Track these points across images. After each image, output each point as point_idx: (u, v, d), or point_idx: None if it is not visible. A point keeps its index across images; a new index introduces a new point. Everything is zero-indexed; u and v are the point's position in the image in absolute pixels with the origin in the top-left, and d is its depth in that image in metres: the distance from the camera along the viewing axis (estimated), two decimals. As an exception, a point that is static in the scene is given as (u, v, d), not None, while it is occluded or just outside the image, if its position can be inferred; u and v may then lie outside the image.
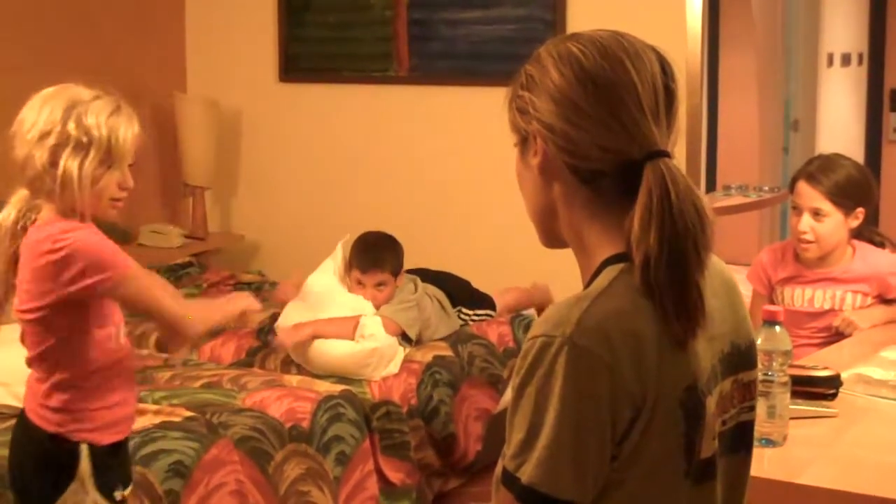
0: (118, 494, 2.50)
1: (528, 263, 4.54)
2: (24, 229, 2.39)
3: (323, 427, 3.57)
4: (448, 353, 4.15)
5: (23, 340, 2.46)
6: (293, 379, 3.82)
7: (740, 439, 1.49)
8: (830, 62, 8.02)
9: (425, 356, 4.07)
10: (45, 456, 2.45)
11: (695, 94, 4.64)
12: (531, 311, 4.64)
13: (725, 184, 6.67)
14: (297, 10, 5.48)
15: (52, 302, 2.33)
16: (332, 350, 3.90)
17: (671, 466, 1.36)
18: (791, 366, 2.39)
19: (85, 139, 2.32)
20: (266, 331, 4.25)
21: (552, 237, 1.49)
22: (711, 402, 1.40)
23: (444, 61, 5.16)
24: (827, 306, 3.46)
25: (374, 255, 4.12)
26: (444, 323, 4.27)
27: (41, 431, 2.43)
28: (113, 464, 2.49)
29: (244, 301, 2.76)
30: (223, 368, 3.98)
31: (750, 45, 7.49)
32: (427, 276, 4.33)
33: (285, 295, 4.31)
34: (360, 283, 4.12)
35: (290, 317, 4.06)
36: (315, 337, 3.92)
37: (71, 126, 2.31)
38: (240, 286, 5.02)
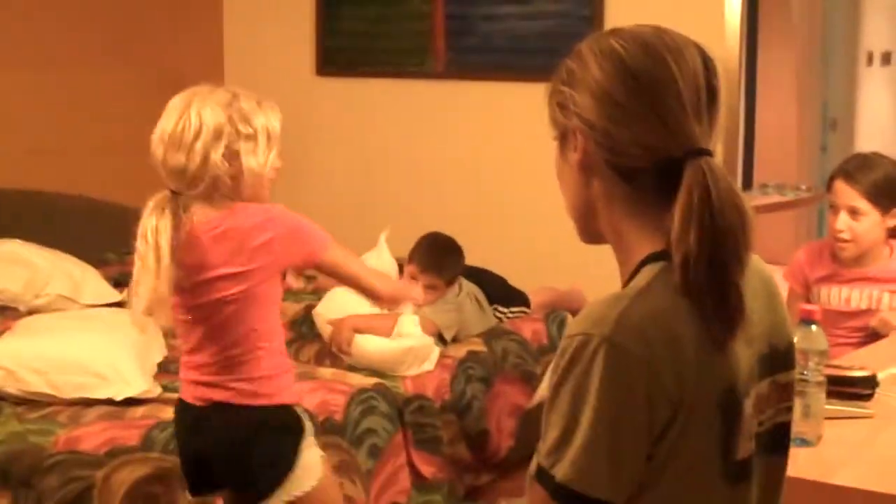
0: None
1: (566, 260, 4.53)
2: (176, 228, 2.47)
3: (356, 420, 3.57)
4: (482, 348, 4.14)
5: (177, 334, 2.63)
6: (326, 371, 3.83)
7: (777, 440, 1.49)
8: (870, 61, 7.96)
9: (459, 351, 4.07)
10: (280, 429, 2.57)
11: (732, 92, 4.62)
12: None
13: (762, 182, 6.63)
14: (334, 3, 5.49)
15: (265, 274, 2.50)
16: (367, 345, 3.91)
17: (707, 467, 1.36)
18: (827, 365, 2.38)
19: (251, 131, 2.50)
20: (300, 322, 4.27)
21: (591, 234, 1.49)
22: (749, 404, 1.39)
23: (481, 56, 5.16)
24: (864, 306, 3.44)
25: (438, 259, 4.14)
26: (480, 322, 4.27)
27: (267, 409, 2.55)
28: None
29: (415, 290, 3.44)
30: (257, 360, 3.99)
31: (788, 43, 7.44)
32: (464, 271, 4.33)
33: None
34: (413, 278, 4.13)
35: (330, 308, 4.07)
36: (354, 330, 3.93)
37: (238, 122, 2.47)
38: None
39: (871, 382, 2.63)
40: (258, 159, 2.52)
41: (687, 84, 1.38)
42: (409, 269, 4.16)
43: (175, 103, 2.50)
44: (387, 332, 3.92)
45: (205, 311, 2.53)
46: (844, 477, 2.19)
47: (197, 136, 2.44)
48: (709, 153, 1.37)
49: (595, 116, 1.39)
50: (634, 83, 1.38)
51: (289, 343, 4.14)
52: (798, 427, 2.23)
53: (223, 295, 2.49)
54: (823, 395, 2.33)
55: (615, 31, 1.44)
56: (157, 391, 3.44)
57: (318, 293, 4.39)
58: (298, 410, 2.64)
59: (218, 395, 2.56)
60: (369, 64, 5.47)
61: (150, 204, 2.47)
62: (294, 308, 4.42)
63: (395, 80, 5.40)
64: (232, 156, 2.48)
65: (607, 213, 1.44)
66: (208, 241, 2.48)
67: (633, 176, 1.40)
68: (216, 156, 2.45)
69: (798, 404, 2.20)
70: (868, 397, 2.61)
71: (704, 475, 1.36)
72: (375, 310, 4.03)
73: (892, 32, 8.06)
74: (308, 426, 2.63)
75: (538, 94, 1.50)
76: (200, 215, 2.48)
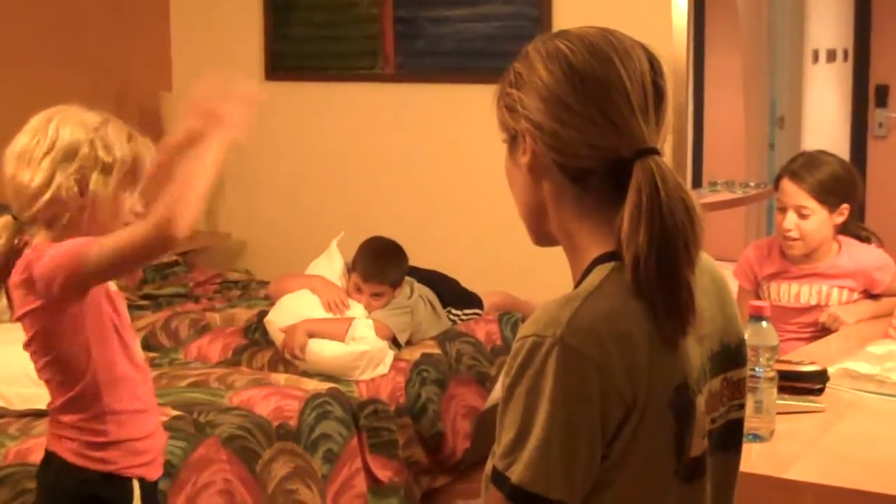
0: None
1: (517, 262, 4.55)
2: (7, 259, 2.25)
3: (310, 425, 3.56)
4: (436, 350, 4.15)
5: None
6: (280, 377, 3.81)
7: (730, 437, 1.50)
8: (816, 58, 8.04)
9: (413, 354, 4.07)
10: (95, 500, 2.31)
11: (680, 91, 4.64)
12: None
13: (711, 180, 6.68)
14: (283, 8, 5.47)
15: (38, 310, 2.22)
16: (321, 350, 3.90)
17: (661, 465, 1.36)
18: (778, 361, 2.39)
19: (110, 161, 2.24)
20: (253, 329, 4.25)
21: (542, 235, 1.49)
22: (701, 401, 1.40)
23: (431, 59, 5.16)
24: (813, 302, 3.47)
25: (378, 267, 4.12)
26: (434, 325, 4.27)
27: (88, 472, 2.29)
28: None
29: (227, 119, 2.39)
30: (210, 367, 3.97)
31: (735, 42, 7.50)
32: (416, 274, 4.33)
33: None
34: (358, 289, 4.12)
35: (282, 315, 4.05)
36: (308, 335, 3.91)
37: (99, 147, 2.23)
38: (226, 284, 5.02)
39: (821, 377, 2.65)
40: (109, 192, 2.24)
41: (634, 84, 1.38)
42: (353, 279, 4.15)
43: (37, 118, 2.27)
44: (340, 337, 3.91)
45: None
46: (797, 471, 2.21)
47: (48, 151, 2.20)
48: (657, 152, 1.37)
49: (543, 118, 1.39)
50: (581, 84, 1.38)
51: (242, 349, 4.15)
52: (751, 423, 2.24)
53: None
54: (775, 391, 2.35)
55: (562, 33, 1.44)
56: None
57: (271, 300, 4.37)
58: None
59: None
60: (318, 68, 5.45)
61: None
62: (247, 314, 4.40)
63: (344, 84, 5.39)
64: (82, 183, 2.22)
65: (557, 214, 1.44)
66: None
67: (583, 177, 1.40)
68: (62, 176, 2.20)
69: (750, 400, 2.22)
70: (819, 392, 2.63)
71: (659, 473, 1.36)
72: (329, 315, 4.03)
73: (837, 30, 8.15)
74: None
75: (487, 97, 1.50)
76: (35, 241, 2.24)
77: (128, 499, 2.32)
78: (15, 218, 2.26)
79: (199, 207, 2.17)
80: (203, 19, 5.68)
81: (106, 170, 2.23)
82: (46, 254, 2.18)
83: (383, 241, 4.22)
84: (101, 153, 2.23)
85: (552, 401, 1.29)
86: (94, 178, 2.22)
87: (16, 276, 2.23)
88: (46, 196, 2.20)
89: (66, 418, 2.30)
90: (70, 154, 2.21)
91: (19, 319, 2.27)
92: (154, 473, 2.38)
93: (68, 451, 2.30)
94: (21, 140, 2.24)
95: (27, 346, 2.30)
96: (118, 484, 2.31)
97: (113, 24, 5.46)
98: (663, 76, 1.42)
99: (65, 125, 2.23)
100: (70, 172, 2.21)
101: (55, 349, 2.26)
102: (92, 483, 2.29)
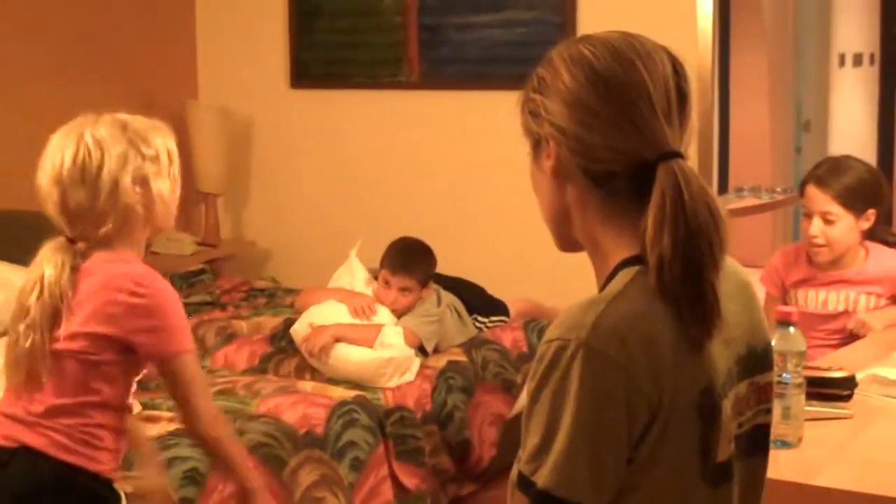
0: None
1: (543, 268, 4.54)
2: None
3: (337, 433, 3.56)
4: (462, 358, 4.14)
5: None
6: (307, 385, 3.82)
7: (757, 442, 1.49)
8: (842, 62, 8.02)
9: (439, 361, 4.07)
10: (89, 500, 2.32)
11: (706, 95, 4.63)
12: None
13: (738, 185, 6.67)
14: (308, 16, 5.48)
15: (107, 339, 2.24)
16: (349, 356, 3.90)
17: (687, 469, 1.36)
18: (806, 367, 2.38)
19: (153, 152, 2.28)
20: (279, 337, 4.26)
21: (567, 241, 1.49)
22: (727, 405, 1.39)
23: (455, 66, 5.16)
24: (840, 308, 3.45)
25: (407, 261, 4.14)
26: (460, 332, 4.27)
27: (81, 471, 2.29)
28: None
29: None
30: (237, 375, 3.98)
31: (761, 46, 7.48)
32: (441, 281, 4.33)
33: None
34: (386, 283, 4.13)
35: (306, 325, 4.06)
36: (336, 340, 3.92)
37: (140, 143, 2.26)
38: (253, 292, 5.03)
39: (850, 383, 2.64)
40: (166, 182, 2.30)
41: (657, 88, 1.38)
42: (381, 274, 4.17)
43: (62, 136, 2.26)
44: (369, 343, 3.91)
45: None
46: (826, 478, 2.20)
47: (101, 165, 2.22)
48: (681, 156, 1.37)
49: (567, 123, 1.40)
50: (605, 89, 1.38)
51: (268, 357, 4.16)
52: (778, 429, 2.23)
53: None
54: (803, 397, 2.33)
55: (585, 38, 1.44)
56: (136, 409, 3.42)
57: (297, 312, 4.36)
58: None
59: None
60: (343, 76, 5.46)
61: (45, 253, 2.27)
62: (273, 322, 4.41)
63: (369, 92, 5.40)
64: (142, 181, 2.26)
65: (582, 218, 1.44)
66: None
67: (607, 181, 1.40)
68: (127, 181, 2.23)
69: (778, 406, 2.21)
70: (847, 398, 2.62)
71: (685, 478, 1.36)
72: (356, 321, 4.03)
73: (863, 34, 8.12)
74: None
75: (511, 103, 1.50)
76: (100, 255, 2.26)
77: (116, 500, 2.35)
78: (71, 240, 2.27)
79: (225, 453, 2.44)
80: (229, 28, 5.70)
81: (154, 161, 2.27)
82: (154, 303, 2.22)
83: (412, 239, 4.26)
84: (143, 148, 2.26)
85: (578, 404, 1.29)
86: (149, 172, 2.26)
87: (108, 296, 2.22)
88: (118, 208, 2.23)
89: (63, 421, 2.27)
90: (122, 160, 2.23)
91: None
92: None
93: (52, 446, 2.26)
94: (54, 161, 2.25)
95: (74, 338, 2.25)
96: (105, 484, 2.33)
97: (139, 33, 5.48)
98: (686, 79, 1.42)
99: (98, 133, 2.24)
100: (129, 175, 2.23)
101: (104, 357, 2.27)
102: (79, 474, 2.28)
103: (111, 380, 2.29)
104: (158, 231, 2.37)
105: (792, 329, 2.30)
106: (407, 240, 4.25)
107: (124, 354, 2.27)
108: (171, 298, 2.28)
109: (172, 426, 3.28)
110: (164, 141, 2.32)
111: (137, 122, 2.31)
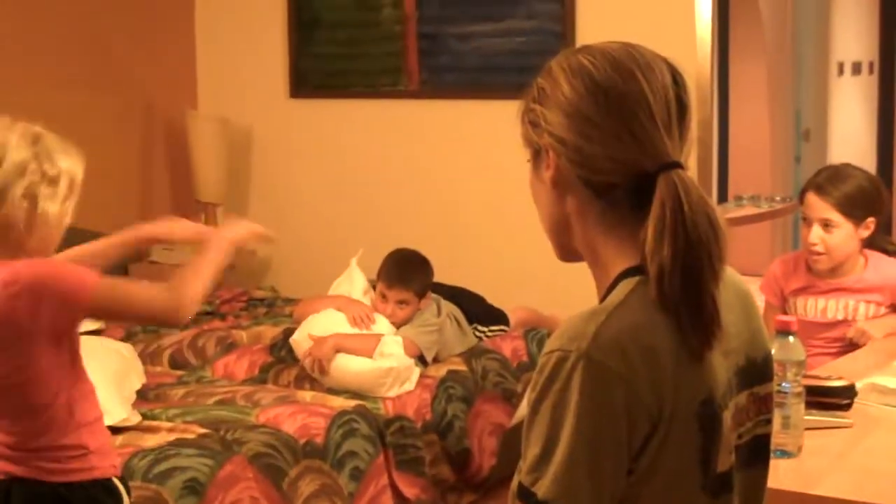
0: None
1: (543, 277, 4.54)
2: None
3: (337, 443, 3.56)
4: (462, 367, 4.14)
5: None
6: (307, 395, 3.82)
7: (757, 453, 1.49)
8: (841, 71, 8.03)
9: (439, 371, 4.07)
10: None
11: (705, 105, 4.64)
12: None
13: (737, 194, 6.67)
14: (307, 26, 5.49)
15: (16, 342, 2.15)
16: (348, 366, 3.90)
17: (688, 480, 1.35)
18: (805, 376, 2.38)
19: (55, 173, 2.19)
20: (279, 346, 4.26)
21: (567, 251, 1.49)
22: (728, 416, 1.39)
23: (454, 75, 5.17)
24: (840, 317, 3.45)
25: (403, 273, 4.14)
26: (460, 341, 4.27)
27: (78, 485, 2.26)
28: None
29: (232, 231, 2.53)
30: (236, 385, 3.98)
31: (760, 55, 7.49)
32: (441, 290, 4.33)
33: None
34: (383, 296, 4.13)
35: (307, 335, 4.06)
36: (336, 350, 3.92)
37: (44, 161, 2.18)
38: (252, 302, 5.04)
39: (849, 392, 2.64)
40: (56, 208, 2.19)
41: (657, 98, 1.38)
42: (378, 287, 4.17)
43: None
44: (369, 353, 3.91)
45: None
46: (826, 487, 2.20)
47: None
48: (680, 166, 1.37)
49: (567, 133, 1.40)
50: (604, 99, 1.38)
51: (268, 367, 4.16)
52: (778, 438, 2.23)
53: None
54: (802, 406, 2.33)
55: (585, 48, 1.44)
56: (135, 419, 3.42)
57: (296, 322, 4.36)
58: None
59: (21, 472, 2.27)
60: (343, 85, 5.47)
61: None
62: (273, 332, 4.41)
63: (368, 101, 5.41)
64: (31, 197, 2.16)
65: (582, 229, 1.44)
66: None
67: (607, 191, 1.40)
68: (16, 192, 2.14)
69: (777, 416, 2.20)
70: (847, 407, 2.62)
71: (685, 489, 1.36)
72: (355, 330, 4.03)
73: (861, 43, 8.13)
74: None
75: (511, 112, 1.51)
76: None
77: (118, 497, 2.33)
78: None
79: (201, 298, 2.28)
80: (228, 38, 5.71)
81: (52, 182, 2.18)
82: (29, 278, 2.13)
83: (409, 251, 4.25)
84: (46, 166, 2.18)
85: (578, 415, 1.29)
86: (41, 193, 2.17)
87: None
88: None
89: (39, 442, 2.24)
90: (19, 169, 2.15)
91: None
92: (119, 469, 2.39)
93: (44, 472, 2.24)
94: None
95: None
96: (104, 485, 2.31)
97: (139, 42, 5.49)
98: (686, 89, 1.42)
99: (4, 139, 2.18)
100: (21, 189, 2.15)
101: (30, 369, 2.20)
102: (77, 488, 2.26)
103: (48, 379, 2.21)
104: (30, 256, 2.19)
105: (791, 338, 2.30)
106: (403, 252, 4.24)
107: (45, 346, 2.18)
108: (40, 264, 2.18)
109: (172, 436, 3.29)
110: (71, 167, 2.22)
111: (53, 140, 2.23)
